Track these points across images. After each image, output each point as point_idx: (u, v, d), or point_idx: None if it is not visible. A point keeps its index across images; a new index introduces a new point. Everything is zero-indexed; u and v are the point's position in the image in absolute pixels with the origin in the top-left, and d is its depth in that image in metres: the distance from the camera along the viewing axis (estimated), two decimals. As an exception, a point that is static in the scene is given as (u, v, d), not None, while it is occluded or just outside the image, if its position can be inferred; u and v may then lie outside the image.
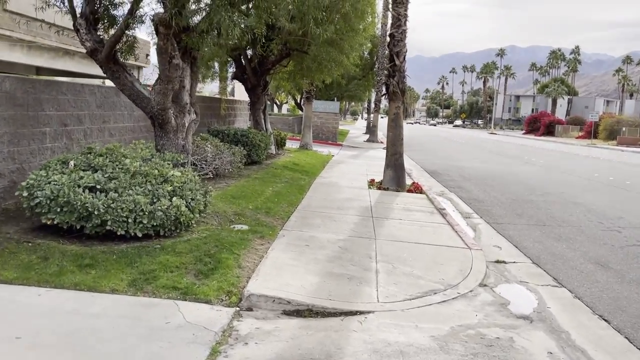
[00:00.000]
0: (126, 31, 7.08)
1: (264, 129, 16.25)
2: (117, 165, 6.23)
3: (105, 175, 6.02)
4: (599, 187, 16.03)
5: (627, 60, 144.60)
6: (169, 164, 6.93)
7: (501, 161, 25.10)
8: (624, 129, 57.97)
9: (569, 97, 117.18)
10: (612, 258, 7.71)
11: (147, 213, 5.82)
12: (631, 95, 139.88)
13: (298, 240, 7.14)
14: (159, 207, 5.89)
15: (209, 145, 10.76)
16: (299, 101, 38.78)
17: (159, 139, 7.63)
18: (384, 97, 12.97)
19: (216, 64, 16.69)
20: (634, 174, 21.20)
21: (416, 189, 12.69)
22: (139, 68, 28.48)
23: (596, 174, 20.13)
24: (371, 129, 36.73)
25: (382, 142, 35.57)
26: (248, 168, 13.04)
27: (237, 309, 4.83)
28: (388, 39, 13.04)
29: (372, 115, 41.78)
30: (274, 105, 74.01)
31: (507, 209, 11.58)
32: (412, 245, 7.44)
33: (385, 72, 12.80)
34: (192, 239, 6.24)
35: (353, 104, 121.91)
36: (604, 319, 5.29)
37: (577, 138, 67.37)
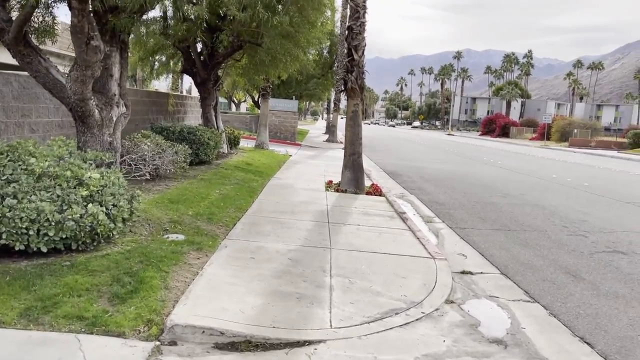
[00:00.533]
0: (38, 8, 6.00)
1: (215, 126, 15.22)
2: (19, 165, 5.17)
3: (3, 178, 4.96)
4: (559, 189, 15.85)
5: (578, 64, 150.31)
6: (91, 164, 5.92)
7: (460, 162, 24.91)
8: (575, 130, 59.72)
9: (522, 99, 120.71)
10: (583, 267, 7.20)
11: (54, 223, 4.81)
12: (581, 99, 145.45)
13: (242, 252, 6.25)
14: (70, 216, 4.89)
15: (149, 143, 9.71)
16: (256, 99, 37.75)
17: (81, 135, 6.58)
18: (342, 93, 12.19)
19: (164, 57, 15.54)
20: (590, 175, 21.34)
21: (375, 191, 12.01)
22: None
23: (554, 175, 20.10)
24: (330, 129, 36.09)
25: (341, 142, 34.97)
26: (195, 168, 12.03)
27: (158, 343, 3.92)
28: (346, 32, 12.31)
29: (331, 115, 41.19)
30: (232, 103, 72.48)
31: (470, 211, 11.05)
32: (371, 255, 6.69)
33: (344, 67, 12.06)
34: (112, 253, 5.26)
35: (313, 104, 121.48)
36: (586, 342, 4.67)
37: (530, 139, 69.07)
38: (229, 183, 10.66)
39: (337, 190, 11.82)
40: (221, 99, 78.18)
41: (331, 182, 12.89)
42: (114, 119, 6.85)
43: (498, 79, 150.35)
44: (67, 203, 5.00)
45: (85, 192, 5.17)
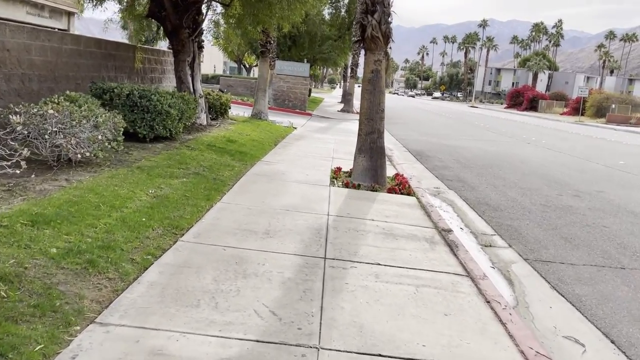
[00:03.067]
0: None
1: (191, 89, 11.60)
2: None
3: None
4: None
5: (610, 35, 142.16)
6: None
7: (496, 139, 21.01)
8: (613, 106, 54.75)
9: (549, 72, 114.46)
10: None
11: None
12: (611, 72, 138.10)
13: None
14: None
15: (52, 111, 6.16)
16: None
17: None
18: (358, 44, 8.40)
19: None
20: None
21: (402, 186, 8.39)
22: (68, 14, 23.10)
23: (621, 162, 16.15)
24: (346, 98, 32.20)
25: (357, 113, 31.13)
26: (144, 148, 8.50)
27: None
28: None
29: (347, 82, 37.20)
30: (242, 67, 68.43)
31: (543, 224, 7.40)
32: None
33: (362, 6, 8.30)
34: None
35: (331, 71, 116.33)
36: None
37: (562, 114, 64.11)
38: (183, 174, 7.11)
39: (346, 185, 8.22)
40: (231, 63, 73.76)
41: (340, 170, 9.30)
42: None
43: (525, 49, 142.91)
44: None
45: None
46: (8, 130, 5.64)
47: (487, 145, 18.44)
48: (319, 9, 35.87)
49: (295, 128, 17.57)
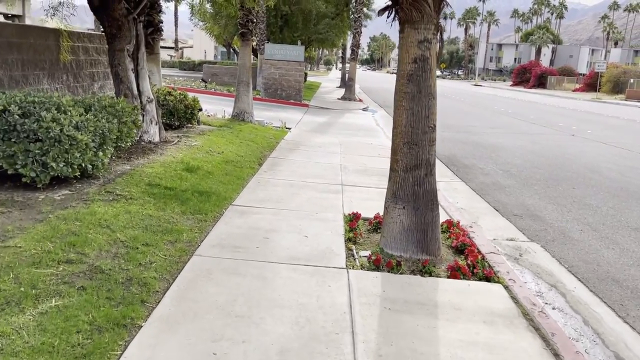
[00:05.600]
0: None
1: (134, 91, 7.97)
2: None
3: None
4: None
5: (614, 5, 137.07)
6: None
7: (532, 131, 17.40)
8: (631, 80, 50.88)
9: (553, 46, 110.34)
10: None
11: None
12: (615, 44, 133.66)
13: None
14: None
15: None
16: (254, 46, 30.00)
17: None
18: (388, 13, 4.80)
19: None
20: None
21: (470, 256, 4.86)
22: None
23: None
24: (347, 84, 28.45)
25: (360, 101, 27.43)
26: (24, 204, 4.94)
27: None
28: None
29: (347, 65, 33.47)
30: (233, 53, 64.14)
31: None
32: None
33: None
34: None
35: (327, 52, 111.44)
36: None
37: (574, 91, 60.21)
38: (58, 284, 3.55)
39: (376, 263, 4.67)
40: (222, 48, 69.29)
41: (358, 218, 5.79)
42: None
43: (526, 23, 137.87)
44: None
45: None
46: None
47: (526, 141, 14.86)
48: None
49: (289, 129, 13.98)
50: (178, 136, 9.12)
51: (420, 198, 4.84)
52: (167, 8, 52.67)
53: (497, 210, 7.44)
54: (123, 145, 6.96)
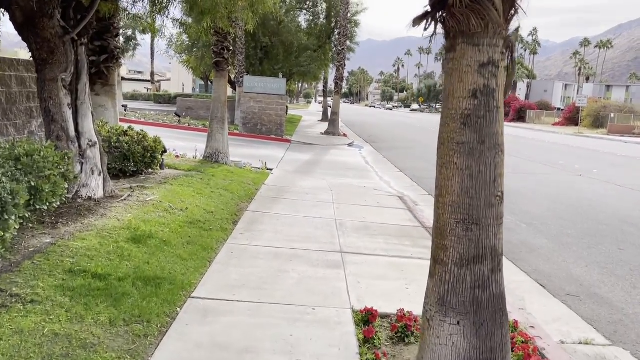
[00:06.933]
0: None
1: (71, 133, 6.14)
2: None
3: None
4: None
5: (585, 42, 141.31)
6: None
7: (537, 172, 15.97)
8: (612, 115, 50.87)
9: (528, 80, 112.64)
10: None
11: None
12: (587, 79, 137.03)
13: None
14: None
15: None
16: (232, 79, 28.48)
17: None
18: (426, 22, 3.15)
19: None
20: None
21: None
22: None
23: None
24: (331, 118, 26.97)
25: (345, 136, 25.92)
26: None
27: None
28: None
29: (330, 100, 32.16)
30: (211, 85, 62.67)
31: None
32: None
33: None
34: None
35: (306, 85, 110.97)
36: None
37: (554, 125, 60.12)
38: None
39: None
40: (199, 81, 67.55)
41: (374, 318, 4.00)
42: None
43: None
44: None
45: None
46: None
47: (533, 182, 13.35)
48: (293, 16, 30.84)
49: (271, 170, 12.23)
50: (131, 187, 7.23)
51: (485, 308, 3.07)
52: (143, 40, 51.16)
53: (543, 287, 5.72)
54: (46, 207, 5.06)
